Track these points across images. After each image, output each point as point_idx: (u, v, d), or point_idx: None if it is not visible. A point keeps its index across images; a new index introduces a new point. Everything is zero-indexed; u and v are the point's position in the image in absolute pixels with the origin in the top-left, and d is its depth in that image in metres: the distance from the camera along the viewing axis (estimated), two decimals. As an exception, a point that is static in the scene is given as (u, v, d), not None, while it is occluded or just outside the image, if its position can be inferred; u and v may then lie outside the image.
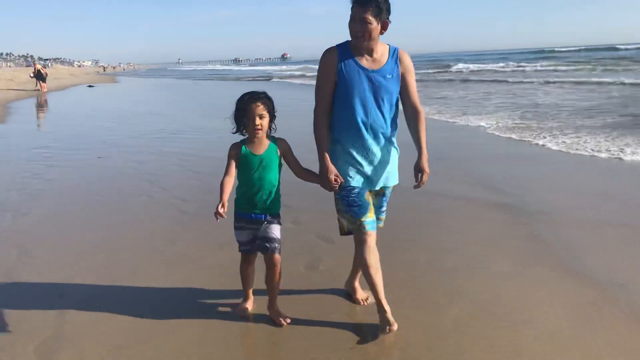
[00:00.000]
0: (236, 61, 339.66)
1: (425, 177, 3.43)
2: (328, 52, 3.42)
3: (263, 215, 3.42)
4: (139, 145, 10.95)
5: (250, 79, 51.39)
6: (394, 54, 3.45)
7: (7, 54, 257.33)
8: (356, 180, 3.43)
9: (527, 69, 39.84)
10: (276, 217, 3.46)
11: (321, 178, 3.36)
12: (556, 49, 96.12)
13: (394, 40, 3.57)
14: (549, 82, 26.10)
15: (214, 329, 3.45)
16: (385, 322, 3.29)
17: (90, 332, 3.41)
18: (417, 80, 3.56)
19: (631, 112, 13.88)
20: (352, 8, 3.26)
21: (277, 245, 3.40)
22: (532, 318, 3.48)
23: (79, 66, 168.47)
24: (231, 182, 3.30)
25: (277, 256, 3.38)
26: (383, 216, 3.72)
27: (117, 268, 4.39)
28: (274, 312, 3.50)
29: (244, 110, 3.28)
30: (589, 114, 13.99)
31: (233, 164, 3.36)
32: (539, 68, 39.73)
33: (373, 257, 3.39)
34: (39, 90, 30.91)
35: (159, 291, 3.98)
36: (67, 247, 4.92)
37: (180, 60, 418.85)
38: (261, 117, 3.28)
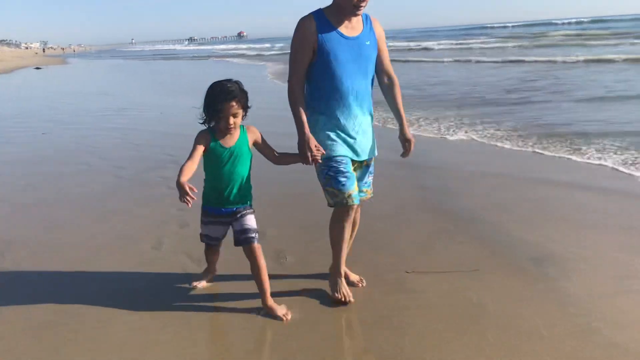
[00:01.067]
0: (191, 40, 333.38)
1: (412, 146, 3.49)
2: (305, 21, 3.24)
3: (235, 208, 3.21)
4: (83, 122, 11.41)
5: (190, 58, 53.72)
6: (367, 20, 3.36)
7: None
8: (344, 150, 3.31)
9: (437, 46, 40.79)
10: (248, 208, 3.25)
11: (300, 150, 3.17)
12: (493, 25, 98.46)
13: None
14: (458, 61, 25.99)
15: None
16: (340, 288, 3.38)
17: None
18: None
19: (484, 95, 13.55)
20: None
21: (254, 235, 3.19)
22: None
23: (26, 48, 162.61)
24: (193, 168, 3.00)
25: (256, 245, 3.18)
26: (369, 188, 3.59)
27: (53, 222, 5.03)
28: (270, 307, 3.22)
29: (217, 109, 3.03)
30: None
31: (199, 152, 3.08)
32: (454, 46, 40.22)
33: (349, 231, 3.40)
34: None
35: (86, 248, 4.63)
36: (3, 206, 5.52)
37: (133, 41, 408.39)
38: (235, 115, 3.06)
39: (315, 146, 3.16)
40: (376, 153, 3.52)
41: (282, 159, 3.33)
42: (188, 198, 2.84)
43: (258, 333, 3.08)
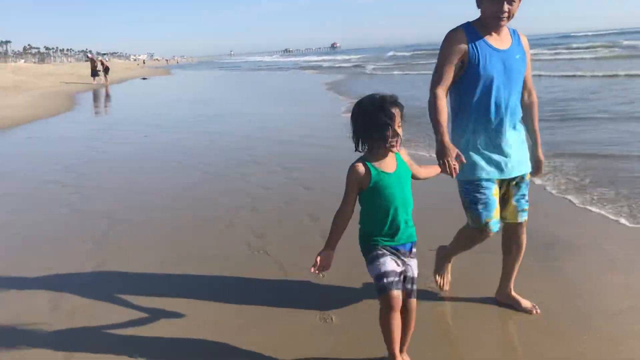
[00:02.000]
0: (287, 52, 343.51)
1: (542, 167, 3.46)
2: (455, 33, 3.15)
3: (409, 245, 2.74)
4: (180, 127, 12.80)
5: (276, 69, 57.22)
6: (515, 34, 3.25)
7: (67, 50, 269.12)
8: (486, 172, 3.16)
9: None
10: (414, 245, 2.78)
11: (439, 159, 2.92)
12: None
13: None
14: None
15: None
16: (441, 273, 3.60)
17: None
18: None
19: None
20: None
21: (415, 287, 2.76)
22: None
23: (134, 60, 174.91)
24: (348, 219, 2.65)
25: (414, 301, 2.76)
26: (526, 207, 3.33)
27: (149, 207, 6.10)
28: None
29: (384, 114, 2.52)
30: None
31: (354, 193, 2.64)
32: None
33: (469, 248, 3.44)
34: (102, 83, 33.15)
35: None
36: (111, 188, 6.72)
37: (232, 52, 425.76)
38: (399, 126, 2.58)
39: (457, 155, 2.91)
40: (529, 169, 3.33)
41: (427, 172, 2.91)
42: (319, 268, 2.61)
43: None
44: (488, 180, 3.18)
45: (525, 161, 3.31)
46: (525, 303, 3.43)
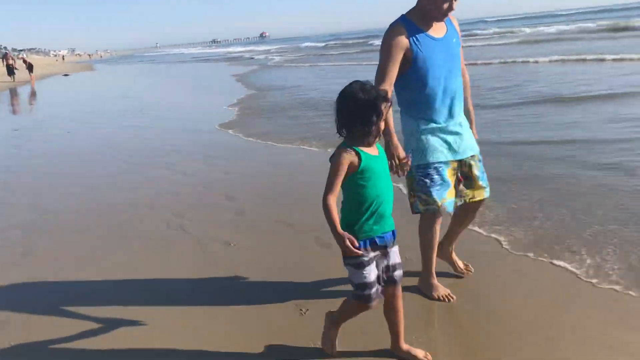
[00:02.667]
0: (214, 42, 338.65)
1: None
2: (395, 30, 3.16)
3: (390, 234, 2.70)
4: (104, 122, 13.01)
5: (200, 60, 58.06)
6: (447, 18, 3.30)
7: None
8: (443, 154, 3.28)
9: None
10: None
11: (389, 160, 3.01)
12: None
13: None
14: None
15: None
16: (437, 287, 3.44)
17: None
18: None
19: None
20: None
21: (401, 271, 2.78)
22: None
23: (54, 56, 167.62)
24: (335, 203, 2.54)
25: (399, 292, 2.79)
26: (486, 184, 3.47)
27: (71, 194, 6.50)
28: (407, 351, 2.86)
29: (374, 111, 2.52)
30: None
31: (341, 177, 2.55)
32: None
33: (438, 237, 3.42)
34: (27, 80, 31.77)
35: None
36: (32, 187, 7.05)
37: (158, 45, 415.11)
38: (384, 120, 2.60)
39: (404, 158, 3.05)
40: (478, 148, 3.47)
41: None
42: (355, 249, 2.51)
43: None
44: (444, 162, 3.28)
45: (474, 141, 3.46)
46: (460, 265, 3.73)
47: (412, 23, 3.20)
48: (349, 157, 2.56)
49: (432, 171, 3.25)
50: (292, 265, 4.19)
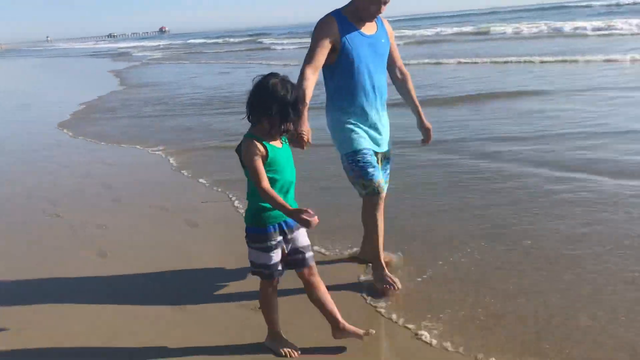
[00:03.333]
0: (111, 37, 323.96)
1: (431, 133, 3.81)
2: (326, 21, 3.40)
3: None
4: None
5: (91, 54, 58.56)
6: (378, 19, 3.54)
7: None
8: (368, 143, 3.50)
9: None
10: None
11: (297, 132, 3.03)
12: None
13: None
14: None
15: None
16: (385, 279, 3.55)
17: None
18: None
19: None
20: None
21: (310, 254, 2.89)
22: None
23: None
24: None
25: (314, 270, 2.90)
26: (387, 179, 3.78)
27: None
28: (347, 329, 2.96)
29: (293, 111, 2.63)
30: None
31: (261, 164, 2.68)
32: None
33: (383, 219, 3.55)
34: None
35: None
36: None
37: (49, 38, 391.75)
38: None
39: (306, 131, 3.08)
40: (390, 147, 3.77)
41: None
42: (312, 217, 2.60)
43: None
44: (370, 149, 3.52)
45: (390, 138, 3.74)
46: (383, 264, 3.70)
47: (344, 17, 3.41)
48: (258, 148, 2.66)
49: (362, 156, 3.42)
50: (163, 243, 4.83)
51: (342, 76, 3.46)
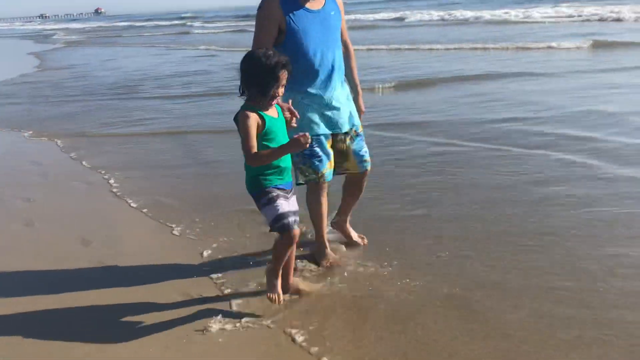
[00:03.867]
0: (42, 17, 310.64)
1: (362, 116, 3.69)
2: (268, 2, 3.25)
3: (290, 184, 3.11)
4: None
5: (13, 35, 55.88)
6: None
7: None
8: (321, 127, 3.38)
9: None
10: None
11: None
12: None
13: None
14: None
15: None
16: (327, 255, 3.63)
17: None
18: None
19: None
20: None
21: (297, 217, 3.10)
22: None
23: None
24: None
25: (298, 230, 3.05)
26: (367, 157, 3.67)
27: None
28: (294, 286, 3.35)
29: (271, 77, 2.80)
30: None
31: (254, 137, 2.85)
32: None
33: (326, 204, 3.57)
34: None
35: None
36: None
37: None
38: (283, 86, 2.90)
39: (288, 108, 3.08)
40: (359, 122, 3.63)
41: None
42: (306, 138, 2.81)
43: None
44: (322, 135, 3.39)
45: (355, 116, 3.58)
46: (355, 235, 3.91)
47: None
48: (254, 118, 2.78)
49: (312, 143, 3.14)
50: (87, 212, 5.29)
51: (291, 56, 3.15)
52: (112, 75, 16.91)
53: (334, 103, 3.45)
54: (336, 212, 3.99)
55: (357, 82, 3.73)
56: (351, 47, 3.69)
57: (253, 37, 3.34)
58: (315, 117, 3.40)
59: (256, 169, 2.94)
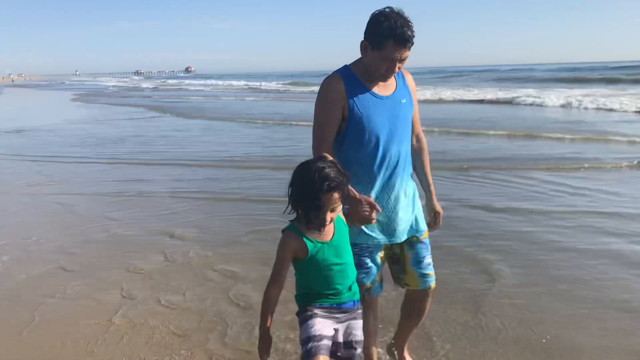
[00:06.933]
0: (137, 73, 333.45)
1: (441, 218, 3.16)
2: (331, 82, 2.82)
3: (352, 303, 2.56)
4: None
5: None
6: (399, 73, 2.94)
7: None
8: (373, 236, 2.89)
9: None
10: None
11: (353, 211, 2.72)
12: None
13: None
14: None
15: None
16: None
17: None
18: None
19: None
20: (387, 44, 2.66)
21: (360, 351, 2.57)
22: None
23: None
24: (277, 297, 2.43)
25: None
26: (431, 271, 3.06)
27: None
28: None
29: (315, 202, 2.32)
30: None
31: (286, 268, 2.44)
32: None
33: (373, 322, 3.03)
34: None
35: None
36: None
37: (77, 72, 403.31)
38: (333, 210, 2.39)
39: (368, 202, 2.72)
40: (424, 227, 3.07)
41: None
42: None
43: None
44: (374, 244, 2.90)
45: (420, 220, 3.04)
46: None
47: (354, 75, 2.85)
48: (293, 245, 2.41)
49: (360, 252, 2.85)
50: None
51: (351, 147, 2.84)
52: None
53: (393, 206, 2.91)
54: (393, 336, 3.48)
55: (430, 180, 3.17)
56: (424, 139, 3.17)
57: (314, 127, 2.85)
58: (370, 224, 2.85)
59: (304, 285, 2.52)
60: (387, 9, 2.71)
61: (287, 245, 2.43)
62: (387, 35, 2.66)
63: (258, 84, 62.68)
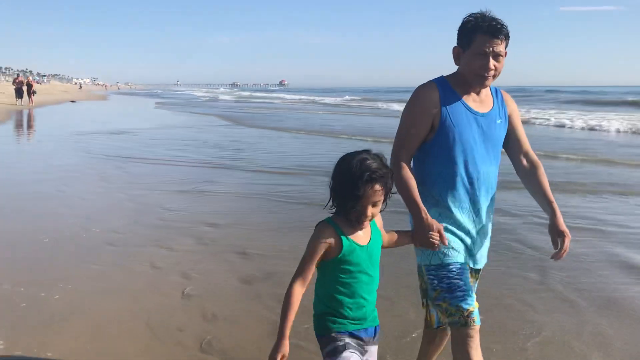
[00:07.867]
0: (234, 85, 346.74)
1: (568, 242, 2.66)
2: (426, 90, 2.67)
3: (372, 329, 2.35)
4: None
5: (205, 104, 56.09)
6: (497, 94, 2.81)
7: (5, 68, 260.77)
8: (460, 255, 2.65)
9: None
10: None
11: (419, 234, 2.53)
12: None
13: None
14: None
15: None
16: None
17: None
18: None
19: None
20: (475, 38, 2.53)
21: None
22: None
23: (75, 83, 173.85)
24: (301, 293, 2.20)
25: None
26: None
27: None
28: None
29: (355, 193, 2.13)
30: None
31: (315, 261, 2.22)
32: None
33: (479, 356, 2.56)
34: (27, 104, 33.03)
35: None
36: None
37: (178, 82, 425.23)
38: (375, 204, 2.20)
39: (438, 229, 2.53)
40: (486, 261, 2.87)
41: (398, 240, 2.56)
42: None
43: None
44: (463, 266, 2.66)
45: (487, 251, 2.86)
46: None
47: (449, 86, 2.69)
48: (327, 238, 2.21)
49: (451, 272, 2.60)
50: None
51: (436, 161, 2.67)
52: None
53: (476, 228, 2.71)
54: None
55: (551, 197, 2.76)
56: (537, 160, 2.86)
57: (398, 131, 2.70)
58: (454, 241, 2.64)
59: (325, 305, 2.27)
60: (474, 12, 2.65)
61: (321, 236, 2.23)
62: (475, 30, 2.56)
63: (349, 97, 62.75)
